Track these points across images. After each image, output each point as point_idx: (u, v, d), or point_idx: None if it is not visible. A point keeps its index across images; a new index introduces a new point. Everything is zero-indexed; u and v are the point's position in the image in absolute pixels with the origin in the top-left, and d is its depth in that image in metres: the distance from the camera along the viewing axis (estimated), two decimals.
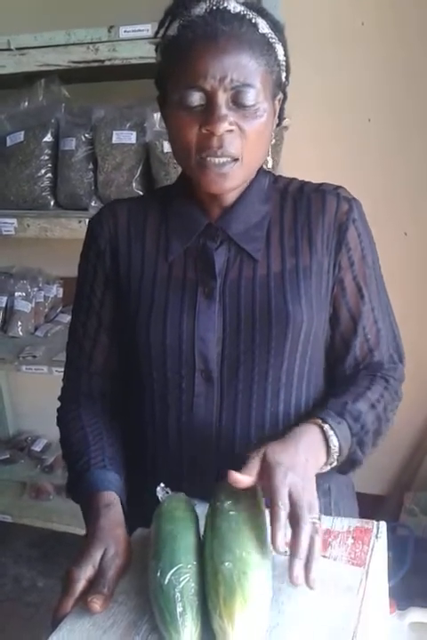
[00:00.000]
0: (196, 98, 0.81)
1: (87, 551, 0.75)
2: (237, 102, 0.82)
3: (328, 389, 0.97)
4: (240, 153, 0.83)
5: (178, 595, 0.65)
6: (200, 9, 0.82)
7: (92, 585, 0.72)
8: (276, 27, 0.87)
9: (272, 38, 0.85)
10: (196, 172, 0.84)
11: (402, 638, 1.51)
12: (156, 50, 0.90)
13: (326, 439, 0.82)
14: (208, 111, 0.81)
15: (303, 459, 0.76)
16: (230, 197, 0.89)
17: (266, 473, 0.73)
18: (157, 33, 0.89)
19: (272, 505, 0.70)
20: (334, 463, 0.83)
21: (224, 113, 0.81)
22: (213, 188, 0.84)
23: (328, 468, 0.83)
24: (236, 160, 0.83)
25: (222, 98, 0.81)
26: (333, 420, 0.83)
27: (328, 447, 0.82)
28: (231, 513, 0.71)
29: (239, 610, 0.63)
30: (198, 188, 0.88)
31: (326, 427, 0.82)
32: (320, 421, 0.83)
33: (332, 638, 0.65)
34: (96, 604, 0.70)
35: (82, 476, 0.87)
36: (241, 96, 0.81)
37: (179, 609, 0.64)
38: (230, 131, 0.81)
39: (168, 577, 0.66)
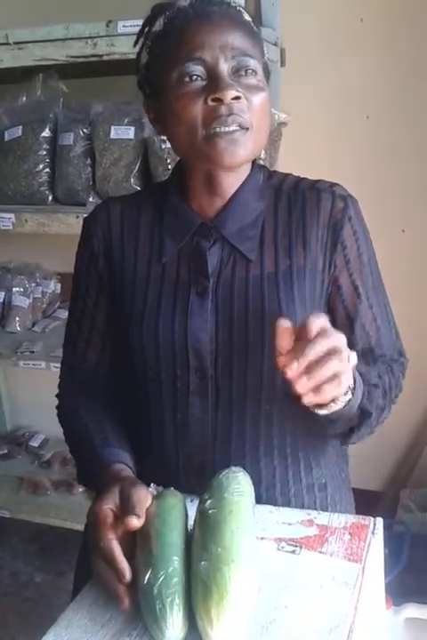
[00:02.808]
0: (196, 70, 0.80)
1: (105, 491, 0.76)
2: (239, 73, 0.81)
3: None
4: (249, 122, 0.81)
5: (156, 592, 0.64)
6: (185, 1, 0.84)
7: (121, 514, 0.72)
8: (255, 24, 0.88)
9: (256, 29, 0.87)
10: (204, 147, 0.81)
11: (397, 634, 1.52)
12: (139, 52, 0.89)
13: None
14: (213, 81, 0.80)
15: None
16: (227, 189, 0.88)
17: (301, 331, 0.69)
18: (141, 31, 0.89)
19: (315, 335, 0.67)
20: (349, 397, 0.76)
21: (230, 81, 0.80)
22: (225, 158, 0.81)
23: (349, 396, 0.76)
24: (245, 129, 0.81)
25: (225, 66, 0.80)
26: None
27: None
28: (210, 512, 0.71)
29: (216, 607, 0.62)
30: (198, 175, 0.86)
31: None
32: None
33: (328, 634, 0.65)
34: (132, 520, 0.70)
35: (91, 460, 0.87)
36: (243, 64, 0.81)
37: (158, 607, 0.64)
38: (238, 98, 0.80)
39: (147, 576, 0.66)
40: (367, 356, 0.93)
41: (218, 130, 0.80)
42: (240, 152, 0.81)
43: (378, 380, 0.88)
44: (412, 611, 1.53)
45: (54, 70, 1.88)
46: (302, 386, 0.67)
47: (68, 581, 1.04)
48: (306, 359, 0.66)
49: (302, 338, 0.69)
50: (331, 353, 0.68)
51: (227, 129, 0.80)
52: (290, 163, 1.61)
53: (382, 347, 0.94)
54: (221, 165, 0.83)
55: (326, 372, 0.67)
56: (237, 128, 0.80)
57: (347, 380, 0.71)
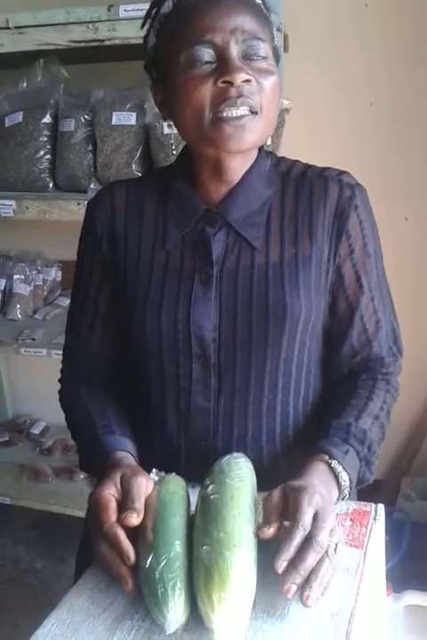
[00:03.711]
0: (206, 54, 0.79)
1: (107, 477, 0.76)
2: (249, 56, 0.80)
3: (328, 382, 0.96)
4: (259, 106, 0.80)
5: (158, 576, 0.65)
6: None
7: (121, 506, 0.73)
8: (266, 5, 0.86)
9: (266, 12, 0.85)
10: (211, 131, 0.80)
11: (398, 620, 1.53)
12: (147, 34, 0.88)
13: (336, 476, 0.79)
14: (223, 64, 0.78)
15: (321, 491, 0.73)
16: (233, 175, 0.87)
17: (290, 499, 0.71)
18: (148, 13, 0.87)
19: (292, 523, 0.68)
20: (346, 497, 0.81)
21: (240, 64, 0.79)
22: (232, 143, 0.80)
23: (340, 502, 0.81)
24: (254, 114, 0.80)
25: (235, 50, 0.79)
26: (339, 452, 0.80)
27: (339, 484, 0.79)
28: (212, 497, 0.71)
29: (217, 591, 0.62)
30: (204, 160, 0.85)
31: (334, 463, 0.79)
32: (327, 458, 0.80)
33: (329, 619, 0.66)
34: (131, 517, 0.70)
35: (93, 446, 0.87)
36: (254, 48, 0.80)
37: (160, 591, 0.64)
38: (248, 80, 0.79)
39: (149, 560, 0.66)
40: (367, 362, 0.93)
41: (226, 114, 0.78)
42: (247, 137, 0.80)
43: (379, 432, 0.88)
44: (412, 598, 1.54)
45: (55, 55, 1.87)
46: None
47: (70, 568, 1.04)
48: (301, 577, 0.65)
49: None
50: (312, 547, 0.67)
51: (236, 113, 0.79)
52: (293, 149, 1.60)
53: (379, 341, 0.93)
54: (228, 150, 0.81)
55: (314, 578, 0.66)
56: (247, 112, 0.79)
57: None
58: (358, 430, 0.84)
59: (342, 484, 0.79)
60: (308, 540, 0.67)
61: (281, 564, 0.66)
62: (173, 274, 0.89)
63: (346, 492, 0.80)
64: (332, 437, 0.83)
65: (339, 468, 0.79)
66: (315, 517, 0.69)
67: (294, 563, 0.66)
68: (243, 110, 0.79)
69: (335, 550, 0.68)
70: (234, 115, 0.79)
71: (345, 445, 0.82)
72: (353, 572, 0.71)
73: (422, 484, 2.03)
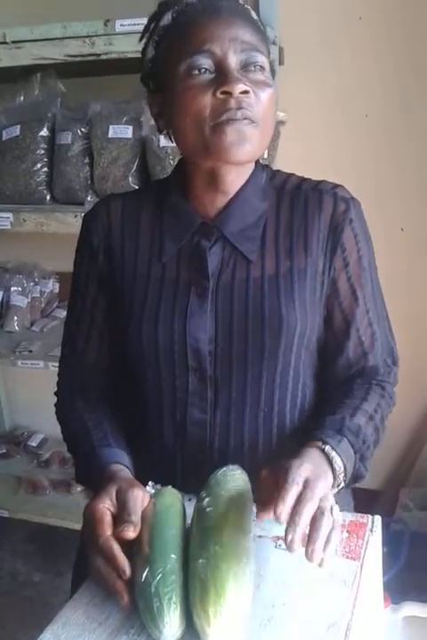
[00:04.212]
0: (205, 63, 0.79)
1: (102, 490, 0.76)
2: (248, 68, 0.81)
3: (323, 393, 0.96)
4: (257, 118, 0.80)
5: (153, 590, 0.64)
6: None
7: (117, 519, 0.72)
8: (261, 22, 0.88)
9: (262, 28, 0.87)
10: (211, 139, 0.80)
11: (396, 632, 1.52)
12: (145, 46, 0.89)
13: (330, 461, 0.79)
14: (222, 74, 0.79)
15: (314, 468, 0.74)
16: (230, 187, 0.87)
17: (280, 473, 0.72)
18: (147, 27, 0.88)
19: (283, 482, 0.69)
20: (341, 484, 0.81)
21: (239, 75, 0.79)
22: (232, 152, 0.80)
23: (336, 490, 0.80)
24: (254, 123, 0.80)
25: (233, 60, 0.80)
26: (333, 440, 0.80)
27: (333, 469, 0.79)
28: (208, 509, 0.71)
29: (213, 605, 0.62)
30: (200, 173, 0.85)
31: (328, 448, 0.79)
32: (321, 443, 0.80)
33: (325, 631, 0.65)
34: (127, 531, 0.70)
35: (88, 459, 0.87)
36: (252, 58, 0.81)
37: (156, 605, 0.63)
38: (246, 92, 0.79)
39: (145, 574, 0.66)
40: (362, 373, 0.93)
41: (225, 122, 0.79)
42: (247, 147, 0.81)
43: (373, 433, 0.88)
44: (411, 609, 1.53)
45: (52, 69, 1.88)
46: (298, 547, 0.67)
47: (67, 581, 1.03)
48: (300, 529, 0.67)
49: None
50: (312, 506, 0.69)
51: (235, 118, 0.79)
52: (288, 161, 1.61)
53: (375, 354, 0.94)
54: (227, 159, 0.81)
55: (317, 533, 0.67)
56: (246, 121, 0.80)
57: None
58: (352, 424, 0.84)
59: (337, 468, 0.79)
60: (301, 495, 0.68)
61: (280, 513, 0.67)
62: (170, 287, 0.89)
63: (341, 478, 0.80)
64: (326, 428, 0.83)
65: (332, 453, 0.79)
66: (306, 482, 0.70)
67: (291, 516, 0.67)
68: (242, 120, 0.79)
69: (332, 511, 0.69)
70: (234, 118, 0.79)
71: (339, 436, 0.82)
72: (350, 583, 0.71)
73: (420, 495, 2.03)
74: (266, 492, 0.73)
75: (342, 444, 0.81)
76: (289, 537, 0.66)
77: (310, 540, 0.66)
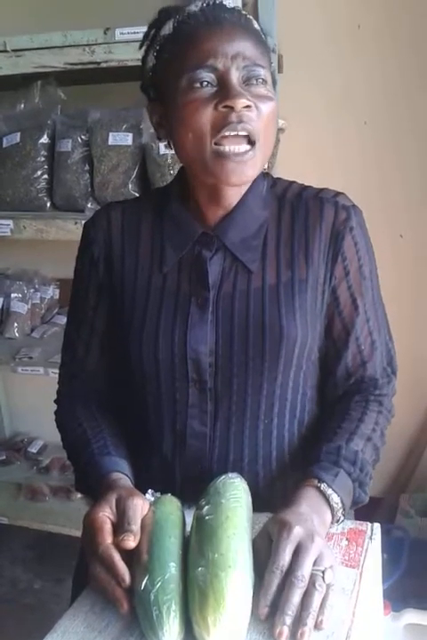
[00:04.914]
0: (207, 77, 0.79)
1: (102, 498, 0.76)
2: (249, 82, 0.81)
3: (323, 406, 0.96)
4: (258, 134, 0.80)
5: (153, 598, 0.64)
6: (195, 6, 0.83)
7: (117, 528, 0.72)
8: (263, 32, 0.88)
9: (264, 38, 0.86)
10: (212, 164, 0.80)
11: (398, 639, 1.51)
12: (146, 55, 0.88)
13: (327, 499, 0.78)
14: (224, 88, 0.79)
15: (310, 518, 0.73)
16: (231, 200, 0.87)
17: (273, 538, 0.70)
18: (147, 34, 0.88)
19: (269, 565, 0.68)
20: (341, 519, 0.80)
21: (241, 89, 0.79)
22: (233, 178, 0.81)
23: (336, 525, 0.80)
24: (253, 144, 0.80)
25: (236, 75, 0.80)
26: (328, 475, 0.80)
27: (331, 507, 0.78)
28: (207, 518, 0.71)
29: (212, 613, 0.62)
30: (201, 185, 0.85)
31: (324, 486, 0.79)
32: (317, 482, 0.79)
33: None
34: (128, 540, 0.70)
35: (88, 468, 0.87)
36: (254, 73, 0.80)
37: (155, 613, 0.63)
38: (248, 106, 0.79)
39: (144, 582, 0.66)
40: (361, 383, 0.93)
41: (227, 149, 0.79)
42: (248, 173, 0.81)
43: (372, 453, 0.87)
44: (411, 616, 1.53)
45: (52, 77, 1.88)
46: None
47: (67, 588, 1.03)
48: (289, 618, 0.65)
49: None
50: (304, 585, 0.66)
51: (237, 149, 0.79)
52: (288, 168, 1.61)
53: (374, 363, 0.93)
54: (228, 184, 0.82)
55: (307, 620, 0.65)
56: (246, 145, 0.80)
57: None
58: (348, 452, 0.84)
59: (334, 506, 0.79)
60: (288, 577, 0.66)
61: (262, 611, 0.65)
62: (170, 297, 0.89)
63: (340, 514, 0.80)
64: (322, 462, 0.82)
65: (329, 491, 0.79)
66: (296, 551, 0.68)
67: (279, 605, 0.65)
68: (243, 141, 0.79)
69: (324, 578, 0.67)
70: (236, 151, 0.79)
71: (335, 468, 0.81)
72: (349, 592, 0.71)
73: (420, 501, 2.02)
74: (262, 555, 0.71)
75: (338, 479, 0.80)
76: (277, 629, 0.64)
77: (300, 621, 0.64)
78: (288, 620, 0.64)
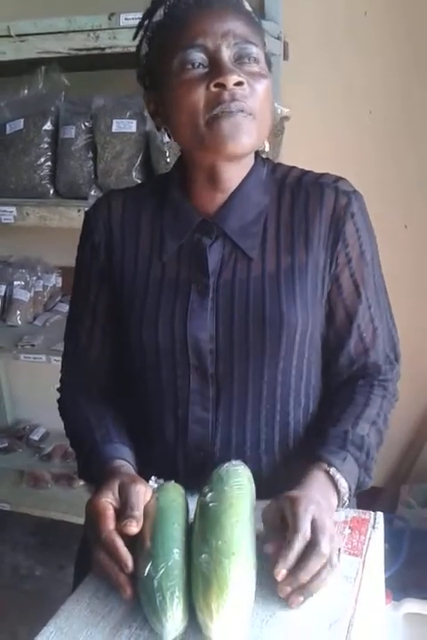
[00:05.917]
0: (198, 57, 0.79)
1: (105, 485, 0.76)
2: (241, 60, 0.80)
3: (327, 393, 0.96)
4: (253, 110, 0.80)
5: (156, 585, 0.64)
6: None
7: (120, 514, 0.73)
8: (257, 15, 0.87)
9: (256, 19, 0.86)
10: (206, 134, 0.79)
11: (397, 629, 1.52)
12: (139, 44, 0.88)
13: (335, 483, 0.80)
14: (215, 67, 0.79)
15: (320, 501, 0.74)
16: (230, 183, 0.87)
17: (287, 510, 0.71)
18: (141, 23, 0.88)
19: (291, 531, 0.68)
20: (346, 503, 0.81)
21: (232, 67, 0.79)
22: (228, 145, 0.79)
23: (341, 509, 0.81)
24: (249, 115, 0.79)
25: (226, 53, 0.79)
26: (337, 459, 0.81)
27: (338, 490, 0.79)
28: (211, 505, 0.71)
29: (216, 600, 0.62)
30: (199, 168, 0.85)
31: (333, 470, 0.80)
32: (326, 466, 0.80)
33: (328, 628, 0.65)
34: (130, 526, 0.70)
35: (91, 456, 0.87)
36: (245, 51, 0.80)
37: (158, 599, 0.64)
38: (241, 83, 0.79)
39: (147, 568, 0.66)
40: (364, 370, 0.93)
41: (221, 114, 0.78)
42: (244, 139, 0.80)
43: (377, 436, 0.88)
44: (412, 606, 1.53)
45: (56, 63, 1.87)
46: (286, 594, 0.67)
47: (69, 575, 1.04)
48: (287, 563, 0.67)
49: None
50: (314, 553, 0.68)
51: (229, 111, 0.78)
52: (292, 157, 1.61)
53: (376, 350, 0.93)
54: (224, 153, 0.81)
55: (307, 577, 0.67)
56: (242, 113, 0.79)
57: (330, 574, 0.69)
58: (355, 436, 0.84)
59: (341, 490, 0.80)
60: (310, 548, 0.67)
61: (279, 571, 0.66)
62: (170, 284, 0.89)
63: (345, 498, 0.81)
64: (329, 445, 0.83)
65: (337, 476, 0.80)
66: (314, 525, 0.69)
67: (294, 571, 0.66)
68: (237, 111, 0.78)
69: (338, 557, 0.69)
70: (228, 111, 0.78)
71: (343, 452, 0.82)
72: (352, 580, 0.71)
73: (421, 492, 2.03)
74: (271, 527, 0.73)
75: (346, 463, 0.81)
76: (286, 592, 0.66)
77: (306, 588, 0.67)
78: (296, 586, 0.66)
